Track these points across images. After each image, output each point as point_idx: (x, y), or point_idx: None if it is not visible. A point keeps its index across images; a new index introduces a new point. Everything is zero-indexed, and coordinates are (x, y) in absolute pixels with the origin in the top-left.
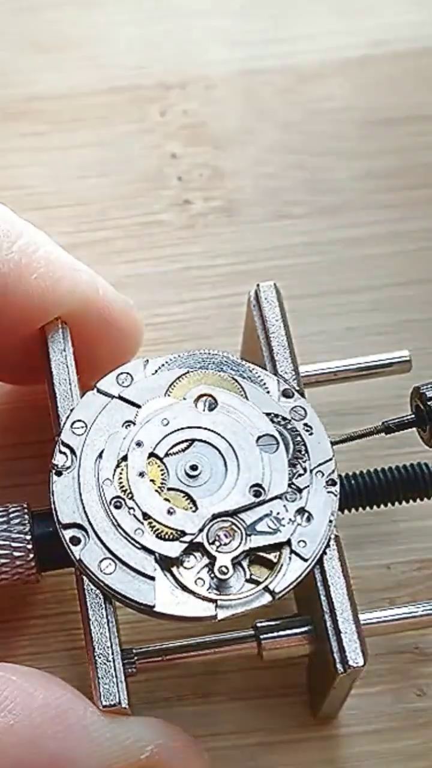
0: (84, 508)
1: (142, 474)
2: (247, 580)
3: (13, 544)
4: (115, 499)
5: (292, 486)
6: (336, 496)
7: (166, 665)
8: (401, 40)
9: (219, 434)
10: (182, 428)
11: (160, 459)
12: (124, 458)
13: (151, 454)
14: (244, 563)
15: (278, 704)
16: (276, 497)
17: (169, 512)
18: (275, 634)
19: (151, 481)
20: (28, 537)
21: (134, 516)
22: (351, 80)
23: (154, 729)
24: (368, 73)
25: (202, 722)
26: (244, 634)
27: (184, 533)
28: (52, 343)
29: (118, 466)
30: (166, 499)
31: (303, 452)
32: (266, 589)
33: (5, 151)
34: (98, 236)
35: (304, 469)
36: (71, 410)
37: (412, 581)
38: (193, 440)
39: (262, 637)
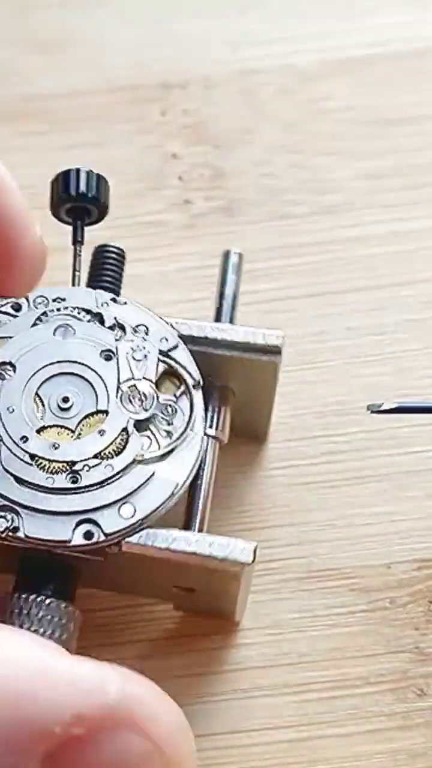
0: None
1: (55, 446)
2: (179, 397)
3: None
4: (71, 476)
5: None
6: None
7: None
8: (401, 39)
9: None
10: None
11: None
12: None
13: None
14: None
15: None
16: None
17: (100, 433)
18: None
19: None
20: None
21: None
22: (351, 80)
23: (121, 674)
24: (368, 73)
25: None
26: None
27: (126, 430)
28: None
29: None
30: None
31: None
32: (194, 386)
33: (5, 150)
34: (99, 236)
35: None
36: None
37: (412, 581)
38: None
39: None
